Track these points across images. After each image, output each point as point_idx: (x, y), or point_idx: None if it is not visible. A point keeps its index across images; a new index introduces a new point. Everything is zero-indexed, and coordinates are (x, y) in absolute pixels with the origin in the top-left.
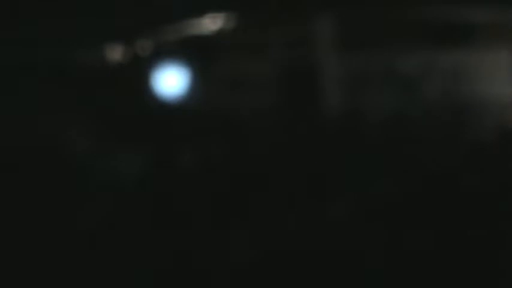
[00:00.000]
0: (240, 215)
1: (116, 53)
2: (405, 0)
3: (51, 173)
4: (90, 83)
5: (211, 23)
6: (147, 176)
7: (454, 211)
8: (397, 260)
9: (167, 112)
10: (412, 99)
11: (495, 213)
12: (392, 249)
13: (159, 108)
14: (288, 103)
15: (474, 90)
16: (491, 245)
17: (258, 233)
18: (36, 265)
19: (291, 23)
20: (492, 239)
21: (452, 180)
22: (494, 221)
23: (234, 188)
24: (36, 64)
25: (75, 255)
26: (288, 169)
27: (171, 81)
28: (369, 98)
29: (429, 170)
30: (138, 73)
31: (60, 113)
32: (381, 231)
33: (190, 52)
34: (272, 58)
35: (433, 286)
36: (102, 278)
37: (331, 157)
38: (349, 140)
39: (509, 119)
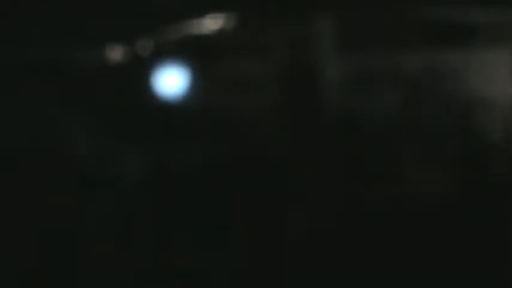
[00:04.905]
0: (240, 215)
1: (116, 53)
2: (405, 0)
3: (51, 173)
4: (90, 83)
5: (211, 23)
6: (147, 176)
7: (455, 209)
8: (398, 259)
9: (167, 112)
10: (412, 99)
11: (496, 214)
12: (393, 248)
13: (159, 108)
14: (288, 103)
15: (474, 90)
16: (494, 243)
17: (258, 232)
18: (36, 265)
19: (291, 23)
20: (496, 238)
21: (452, 180)
22: (496, 221)
23: (234, 187)
24: (36, 64)
25: (76, 254)
26: (288, 169)
27: (171, 81)
28: (369, 98)
29: (429, 170)
30: (138, 73)
31: (60, 113)
32: (381, 230)
33: (190, 52)
34: (272, 58)
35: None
36: (103, 278)
37: (331, 157)
38: (349, 140)
39: (510, 119)
